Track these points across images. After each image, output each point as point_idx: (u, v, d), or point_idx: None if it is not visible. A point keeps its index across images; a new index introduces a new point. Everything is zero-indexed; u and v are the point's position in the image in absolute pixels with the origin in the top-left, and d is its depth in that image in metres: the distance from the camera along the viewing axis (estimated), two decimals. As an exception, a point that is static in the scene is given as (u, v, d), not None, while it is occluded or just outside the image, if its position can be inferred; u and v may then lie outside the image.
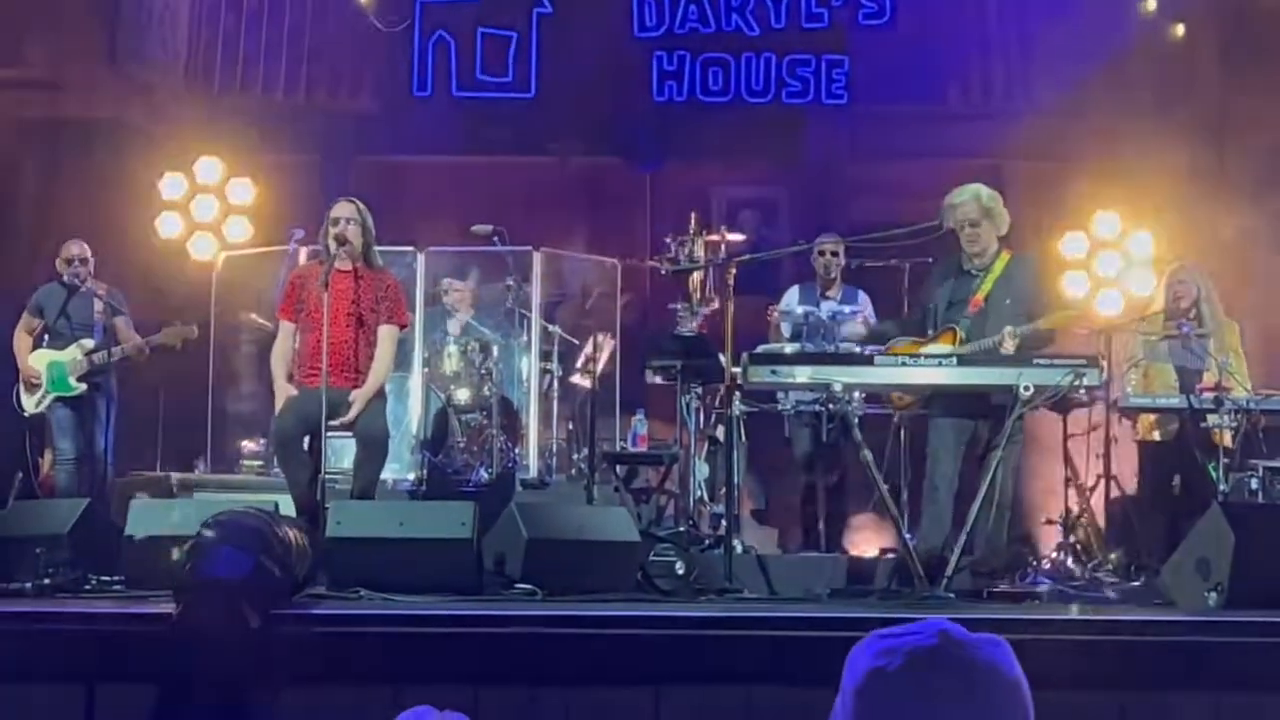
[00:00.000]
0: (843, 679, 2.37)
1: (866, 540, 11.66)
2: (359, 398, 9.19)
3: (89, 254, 11.52)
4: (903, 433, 10.28)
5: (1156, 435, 10.66)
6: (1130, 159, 14.24)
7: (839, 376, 8.55)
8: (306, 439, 9.17)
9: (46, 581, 7.85)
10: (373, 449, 9.29)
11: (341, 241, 9.28)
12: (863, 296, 11.57)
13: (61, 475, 11.22)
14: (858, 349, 10.02)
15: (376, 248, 9.63)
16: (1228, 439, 9.93)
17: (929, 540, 9.02)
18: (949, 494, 9.09)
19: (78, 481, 11.12)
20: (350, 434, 9.41)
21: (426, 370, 12.43)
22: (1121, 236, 14.39)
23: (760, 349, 10.02)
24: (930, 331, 9.38)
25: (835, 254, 11.55)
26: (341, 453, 10.30)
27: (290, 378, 9.42)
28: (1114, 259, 14.37)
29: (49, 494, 11.16)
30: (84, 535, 8.45)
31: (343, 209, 9.41)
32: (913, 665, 2.30)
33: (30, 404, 11.28)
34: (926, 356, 8.84)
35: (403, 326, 9.79)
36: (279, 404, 9.27)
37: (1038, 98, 14.96)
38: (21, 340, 11.39)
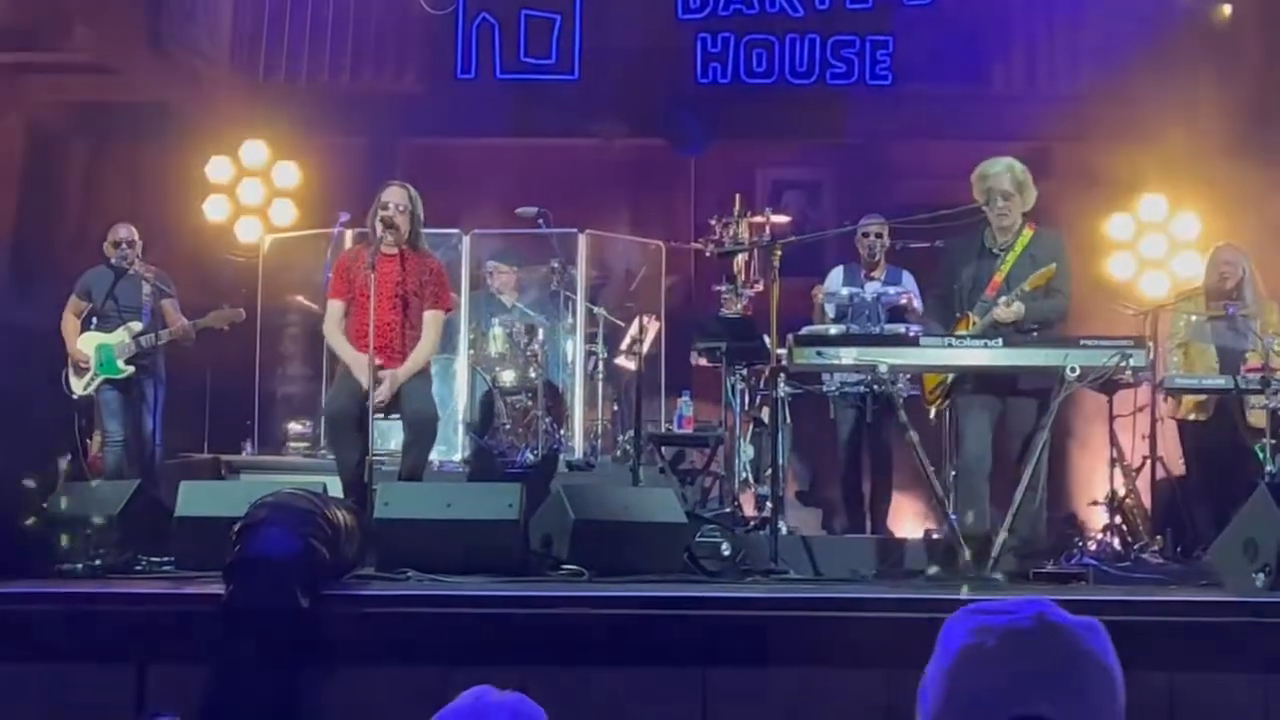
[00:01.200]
0: (936, 650, 2.36)
1: (911, 521, 11.66)
2: (390, 377, 9.20)
3: (136, 237, 11.57)
4: (947, 414, 10.26)
5: (1191, 415, 10.62)
6: (1176, 140, 14.19)
7: (885, 358, 8.55)
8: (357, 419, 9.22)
9: (97, 563, 7.91)
10: (420, 431, 9.31)
11: (389, 226, 9.30)
12: (907, 277, 11.53)
13: (110, 457, 11.28)
14: (903, 330, 10.02)
15: (422, 230, 9.66)
16: (1263, 419, 9.92)
17: (969, 521, 9.00)
18: (982, 474, 9.06)
19: (126, 463, 11.18)
20: (397, 416, 9.45)
21: (472, 352, 12.46)
22: (1167, 218, 14.36)
23: (805, 330, 10.01)
24: (957, 315, 9.32)
25: (879, 235, 11.52)
26: (388, 434, 10.34)
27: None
28: (1160, 240, 14.35)
29: (98, 476, 11.20)
30: (134, 517, 8.52)
31: (394, 194, 9.42)
32: (1008, 645, 2.28)
33: (79, 386, 11.34)
34: (972, 338, 8.80)
35: (447, 310, 9.81)
36: (354, 366, 9.23)
37: (1083, 79, 14.91)
38: (69, 323, 11.44)
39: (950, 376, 9.21)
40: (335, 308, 9.52)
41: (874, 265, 11.60)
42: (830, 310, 11.21)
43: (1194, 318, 10.76)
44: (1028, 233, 9.24)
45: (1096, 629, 2.33)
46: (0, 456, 9.95)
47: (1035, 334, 8.94)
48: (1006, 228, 9.22)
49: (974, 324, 9.06)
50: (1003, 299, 8.92)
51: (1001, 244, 9.23)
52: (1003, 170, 9.20)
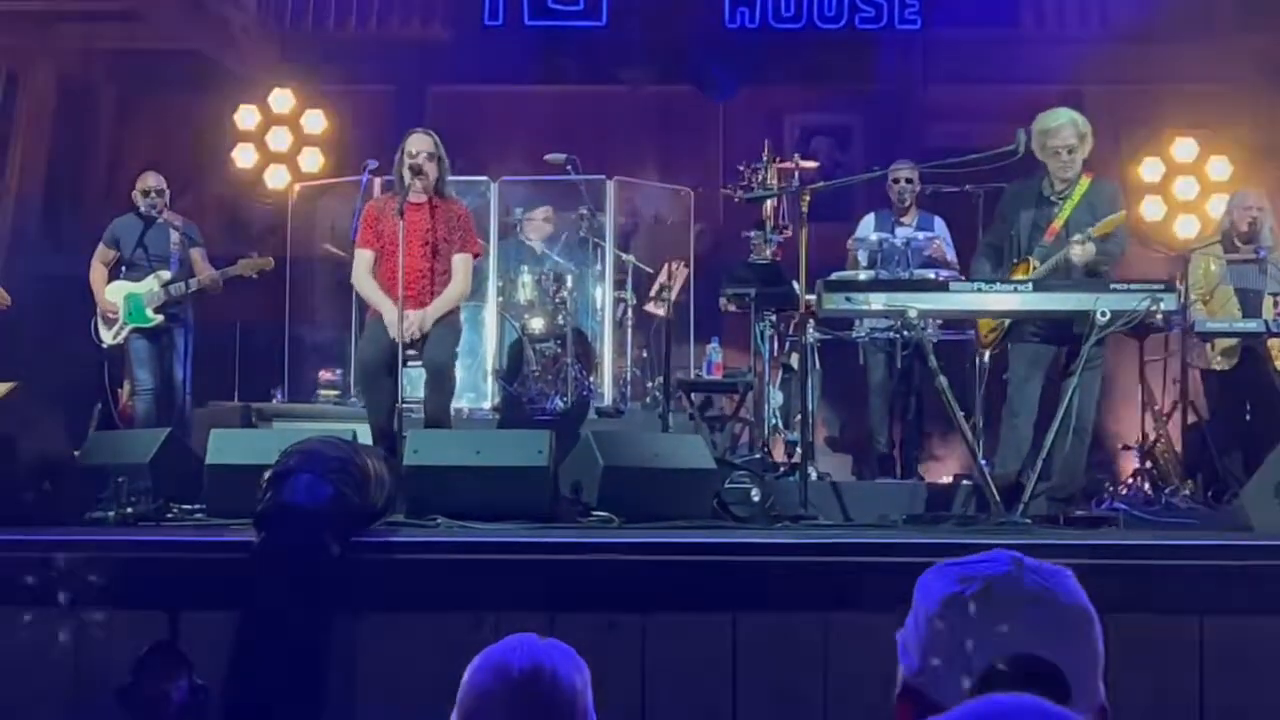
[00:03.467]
0: (915, 604, 2.38)
1: (942, 466, 11.65)
2: (420, 315, 9.24)
3: (165, 185, 11.57)
4: (978, 359, 10.24)
5: (1218, 365, 10.60)
6: (1208, 82, 14.11)
7: (914, 303, 8.52)
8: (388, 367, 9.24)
9: (128, 510, 7.92)
10: (438, 378, 9.31)
11: (417, 172, 9.29)
12: (939, 223, 11.51)
13: (140, 406, 11.29)
14: (933, 275, 9.99)
15: (450, 177, 9.66)
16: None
17: (1006, 466, 8.99)
18: (1029, 421, 9.05)
19: (156, 412, 11.19)
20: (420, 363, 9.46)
21: (501, 300, 12.46)
22: (1199, 160, 14.29)
23: (834, 276, 9.98)
24: (1014, 260, 9.28)
25: (910, 180, 11.49)
26: (418, 382, 10.34)
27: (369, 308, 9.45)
28: (1191, 183, 14.28)
29: (128, 424, 11.25)
30: (165, 464, 8.54)
31: (420, 142, 9.41)
32: (991, 590, 2.31)
33: (108, 336, 11.35)
34: (1003, 282, 8.77)
35: (476, 254, 9.81)
36: (386, 315, 9.23)
37: (1114, 20, 14.82)
38: (97, 271, 11.45)
39: (1007, 322, 9.18)
40: (364, 257, 9.52)
41: (905, 211, 11.57)
42: (863, 257, 11.18)
43: (1213, 266, 10.74)
44: (1085, 181, 9.19)
45: (1069, 575, 2.37)
46: (31, 406, 9.97)
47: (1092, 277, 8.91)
48: (1067, 179, 9.17)
49: (1034, 268, 9.03)
50: (1076, 237, 8.87)
51: (1060, 192, 9.18)
52: (1066, 124, 9.11)
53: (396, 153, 9.49)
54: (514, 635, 3.08)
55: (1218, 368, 10.60)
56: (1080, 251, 8.84)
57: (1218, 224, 11.28)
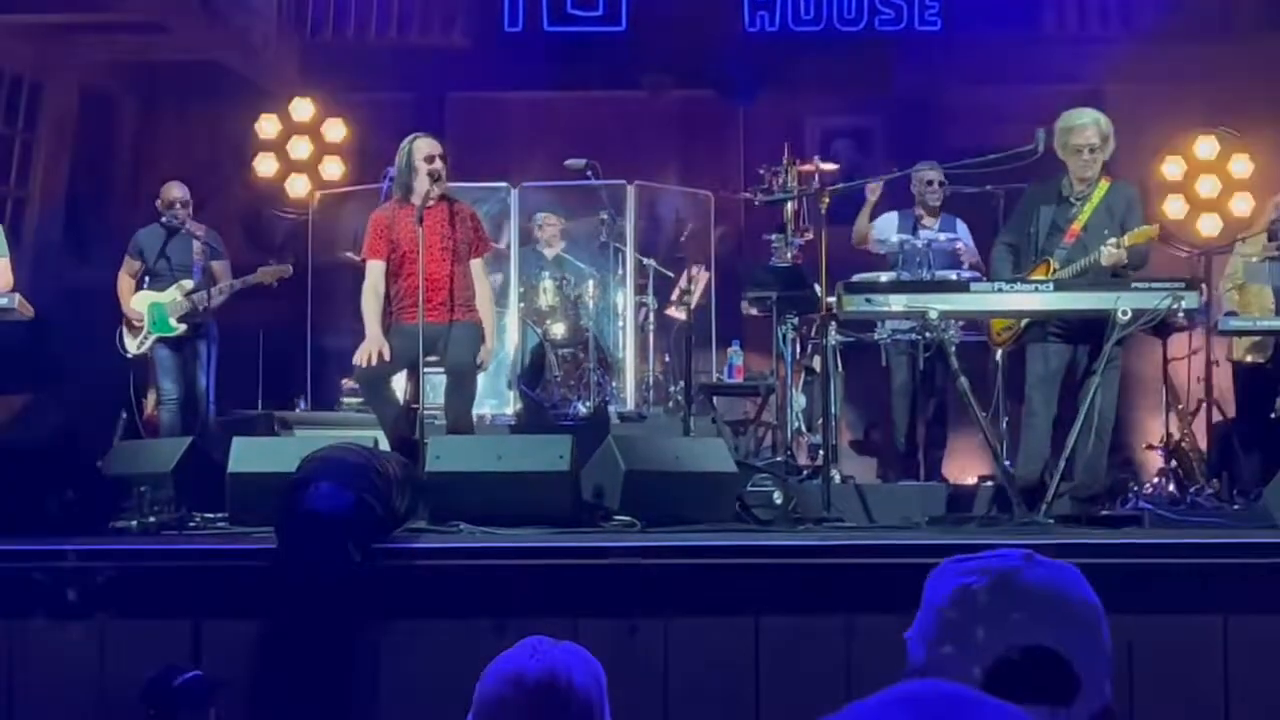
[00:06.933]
0: (924, 599, 2.41)
1: (965, 468, 11.62)
2: (486, 350, 9.34)
3: (188, 196, 11.60)
4: (1000, 359, 10.21)
5: (1250, 358, 10.56)
6: (1228, 80, 14.07)
7: (935, 304, 8.50)
8: (397, 376, 9.21)
9: (151, 519, 7.93)
10: (460, 380, 9.25)
11: (436, 178, 9.25)
12: (961, 225, 11.46)
13: (164, 415, 11.34)
14: (954, 276, 9.96)
15: (471, 184, 9.63)
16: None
17: (1027, 466, 8.97)
18: (1047, 420, 9.02)
19: (180, 421, 11.23)
20: (443, 370, 9.43)
21: (523, 305, 12.46)
22: (1220, 159, 14.25)
23: (855, 278, 9.94)
24: (1033, 258, 9.24)
25: (941, 184, 11.40)
26: (440, 387, 10.34)
27: (389, 316, 9.38)
28: (1213, 181, 14.25)
29: (152, 434, 11.28)
30: (188, 473, 8.54)
31: (433, 145, 9.33)
32: (1002, 582, 2.33)
33: (133, 345, 11.38)
34: (1023, 282, 8.75)
35: (488, 252, 9.81)
36: (370, 346, 9.16)
37: (1134, 19, 14.78)
38: (124, 283, 11.49)
39: (1023, 321, 9.15)
40: (376, 270, 9.35)
41: (930, 212, 11.51)
42: (882, 250, 11.18)
43: (1253, 259, 10.70)
44: (1104, 184, 9.14)
45: (1077, 571, 2.39)
46: (57, 416, 10.00)
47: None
48: (1087, 179, 9.13)
49: (1054, 270, 9.00)
50: (1111, 240, 8.83)
51: (1079, 193, 9.14)
52: (1089, 123, 9.07)
53: (401, 159, 9.43)
54: (528, 639, 3.08)
55: (1249, 360, 10.55)
56: (1111, 255, 8.80)
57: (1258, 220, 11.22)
